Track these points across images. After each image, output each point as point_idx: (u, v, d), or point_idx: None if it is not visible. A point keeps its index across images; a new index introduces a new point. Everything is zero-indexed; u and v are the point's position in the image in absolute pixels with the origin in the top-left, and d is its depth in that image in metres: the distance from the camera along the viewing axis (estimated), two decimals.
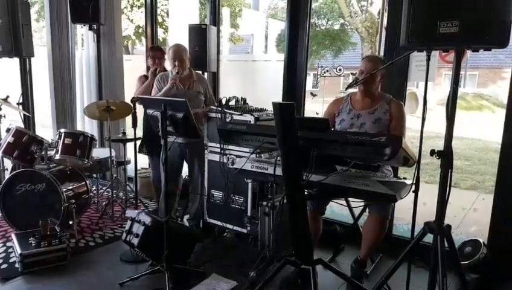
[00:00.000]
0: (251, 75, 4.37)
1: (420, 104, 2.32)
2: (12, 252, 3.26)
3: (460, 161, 7.72)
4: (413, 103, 7.76)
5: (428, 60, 2.11)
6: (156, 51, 4.05)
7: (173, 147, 3.23)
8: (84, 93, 5.18)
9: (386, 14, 3.43)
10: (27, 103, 4.59)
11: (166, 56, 4.17)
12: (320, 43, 15.07)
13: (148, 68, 4.17)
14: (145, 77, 4.08)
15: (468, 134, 9.07)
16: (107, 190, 4.51)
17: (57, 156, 3.62)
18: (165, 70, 3.96)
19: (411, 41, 1.93)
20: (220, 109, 3.41)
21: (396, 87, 3.22)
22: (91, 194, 3.94)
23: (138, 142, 3.96)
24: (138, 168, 4.06)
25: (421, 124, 2.21)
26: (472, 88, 13.53)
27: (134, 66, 5.22)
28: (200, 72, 3.90)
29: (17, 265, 3.02)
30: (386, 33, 3.43)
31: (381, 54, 3.73)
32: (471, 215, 5.03)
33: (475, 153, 8.50)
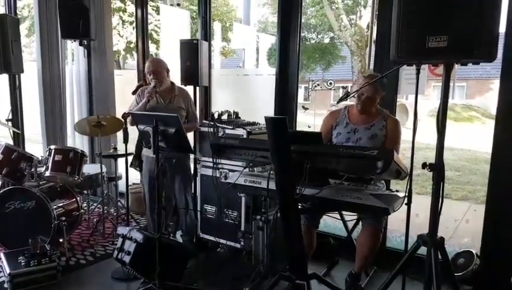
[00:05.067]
0: (243, 89, 4.39)
1: (410, 115, 2.35)
2: (1, 271, 3.19)
3: (451, 171, 7.79)
4: (403, 114, 7.83)
5: (417, 73, 2.14)
6: None
7: (153, 162, 3.17)
8: (75, 108, 5.15)
9: (374, 28, 3.49)
10: (16, 119, 4.56)
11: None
12: (310, 57, 15.22)
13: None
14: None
15: (457, 145, 9.17)
16: (98, 206, 4.46)
17: (47, 173, 3.58)
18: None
19: (400, 55, 1.96)
20: (212, 123, 3.41)
21: (386, 100, 3.24)
22: (82, 210, 3.89)
23: (130, 158, 3.94)
24: (129, 183, 4.03)
25: (412, 137, 2.23)
26: (461, 99, 13.72)
27: (125, 80, 5.19)
28: (184, 87, 3.84)
29: (6, 285, 2.95)
30: (376, 47, 3.48)
31: (371, 67, 3.77)
32: (463, 226, 5.05)
33: (465, 163, 8.58)
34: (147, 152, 3.57)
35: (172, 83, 3.59)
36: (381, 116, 2.88)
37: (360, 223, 2.96)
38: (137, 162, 4.05)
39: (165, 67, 3.50)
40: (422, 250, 2.18)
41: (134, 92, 3.95)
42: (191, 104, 3.66)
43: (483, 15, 1.76)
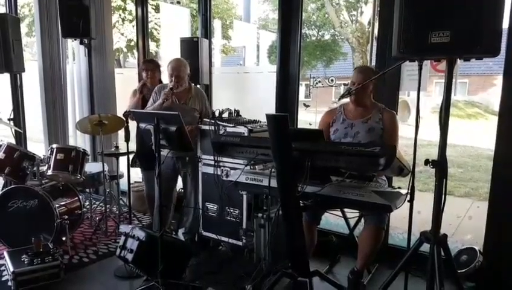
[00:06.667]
0: (244, 87, 4.38)
1: (412, 112, 2.34)
2: (4, 270, 3.20)
3: (454, 168, 7.76)
4: (405, 111, 7.81)
5: (420, 69, 2.12)
6: (148, 64, 4.05)
7: (166, 161, 3.20)
8: (76, 107, 5.16)
9: (376, 24, 3.47)
10: (18, 118, 4.56)
11: (161, 68, 4.16)
12: (311, 54, 15.17)
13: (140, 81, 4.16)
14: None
15: (460, 141, 9.14)
16: (100, 204, 4.47)
17: (49, 172, 3.59)
18: (160, 82, 3.96)
19: (403, 51, 1.94)
20: (213, 121, 3.40)
21: (388, 96, 3.23)
22: (84, 209, 3.90)
23: (131, 156, 3.94)
24: (131, 181, 4.03)
25: (415, 134, 2.22)
26: (463, 96, 13.66)
27: (126, 79, 5.20)
28: (201, 87, 3.87)
29: (9, 283, 2.97)
30: (377, 43, 3.46)
31: (373, 63, 3.75)
32: (466, 223, 5.04)
33: (468, 160, 8.55)
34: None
35: (189, 84, 3.57)
36: (376, 109, 2.89)
37: (362, 220, 2.95)
38: (138, 161, 4.05)
39: (188, 72, 3.49)
40: (425, 247, 2.17)
41: (141, 92, 3.94)
42: (205, 103, 3.66)
43: (486, 10, 1.74)
